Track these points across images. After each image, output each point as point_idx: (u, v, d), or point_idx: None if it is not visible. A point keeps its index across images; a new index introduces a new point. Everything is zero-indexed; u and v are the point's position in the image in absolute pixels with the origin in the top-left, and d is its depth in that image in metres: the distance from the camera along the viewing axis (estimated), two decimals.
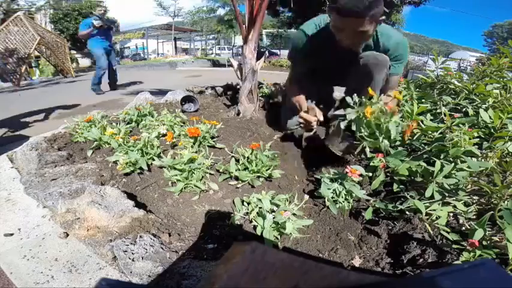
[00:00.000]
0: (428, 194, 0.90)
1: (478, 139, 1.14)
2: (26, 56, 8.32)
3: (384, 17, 1.15)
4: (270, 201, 1.03)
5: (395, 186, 1.11)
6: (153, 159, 1.37)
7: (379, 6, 1.09)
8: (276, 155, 1.36)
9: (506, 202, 0.78)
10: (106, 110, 2.27)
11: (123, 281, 0.76)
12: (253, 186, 1.25)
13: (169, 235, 0.97)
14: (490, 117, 1.21)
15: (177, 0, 18.36)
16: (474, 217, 0.88)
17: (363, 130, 0.89)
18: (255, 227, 1.00)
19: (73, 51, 16.36)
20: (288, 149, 1.58)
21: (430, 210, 0.88)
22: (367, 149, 0.99)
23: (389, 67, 1.30)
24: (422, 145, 1.20)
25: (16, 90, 6.23)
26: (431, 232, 0.87)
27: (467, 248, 0.76)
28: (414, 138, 1.22)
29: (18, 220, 1.15)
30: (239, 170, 1.28)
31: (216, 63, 14.40)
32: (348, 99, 0.92)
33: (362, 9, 1.05)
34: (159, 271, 0.78)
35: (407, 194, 0.99)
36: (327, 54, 1.36)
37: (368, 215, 0.99)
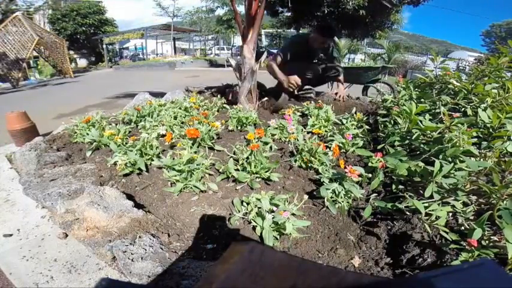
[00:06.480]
0: (427, 193, 0.90)
1: (477, 139, 1.14)
2: (23, 57, 8.31)
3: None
4: (269, 201, 1.03)
5: (394, 186, 1.12)
6: (152, 160, 1.37)
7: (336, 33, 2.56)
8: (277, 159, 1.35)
9: (505, 202, 0.78)
10: (105, 110, 2.27)
11: (122, 281, 0.76)
12: (252, 188, 1.24)
13: (169, 235, 0.96)
14: (488, 116, 1.21)
15: (176, 0, 18.34)
16: (473, 217, 0.88)
17: None
18: (254, 227, 1.00)
19: (71, 52, 16.35)
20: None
21: (429, 210, 0.88)
22: None
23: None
24: (421, 145, 1.20)
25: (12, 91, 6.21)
26: (431, 232, 0.87)
27: (466, 247, 0.76)
28: (413, 137, 1.22)
29: (18, 221, 1.14)
30: (238, 170, 1.28)
31: (214, 64, 14.40)
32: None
33: (333, 34, 2.55)
34: (159, 271, 0.78)
35: (407, 194, 0.99)
36: (304, 53, 2.58)
37: (367, 213, 0.99)
